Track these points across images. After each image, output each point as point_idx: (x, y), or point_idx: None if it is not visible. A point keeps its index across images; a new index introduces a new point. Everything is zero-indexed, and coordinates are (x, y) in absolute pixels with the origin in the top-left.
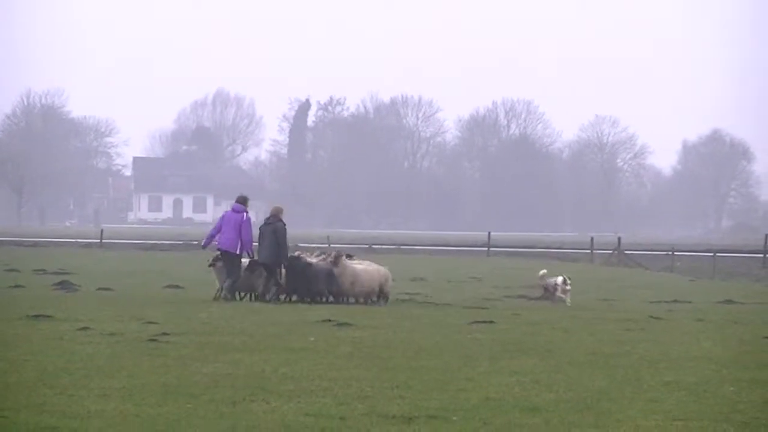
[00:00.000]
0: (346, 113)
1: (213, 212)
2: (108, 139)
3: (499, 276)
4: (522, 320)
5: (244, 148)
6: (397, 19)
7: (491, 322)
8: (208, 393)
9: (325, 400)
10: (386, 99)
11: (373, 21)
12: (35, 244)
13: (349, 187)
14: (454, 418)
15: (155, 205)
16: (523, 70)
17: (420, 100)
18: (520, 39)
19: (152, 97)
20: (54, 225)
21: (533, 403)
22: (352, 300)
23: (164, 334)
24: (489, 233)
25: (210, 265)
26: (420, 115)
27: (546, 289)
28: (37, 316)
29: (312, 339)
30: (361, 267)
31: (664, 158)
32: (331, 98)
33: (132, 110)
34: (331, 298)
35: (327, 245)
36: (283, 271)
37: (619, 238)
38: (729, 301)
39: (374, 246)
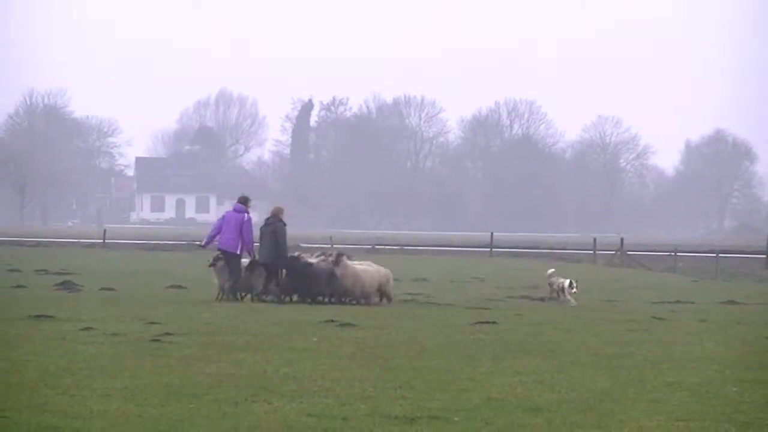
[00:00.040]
0: (348, 113)
1: (216, 212)
2: (111, 139)
3: (501, 276)
4: (525, 321)
5: (247, 148)
6: (398, 18)
7: (494, 322)
8: (211, 393)
9: (327, 401)
10: (389, 99)
11: (374, 21)
12: (37, 244)
13: (352, 187)
14: (457, 418)
15: (158, 205)
16: (525, 69)
17: (423, 100)
18: (520, 39)
19: (154, 97)
20: (56, 225)
21: (536, 403)
22: (353, 301)
23: (167, 334)
24: (492, 234)
25: (210, 265)
26: (423, 115)
27: (552, 288)
28: (39, 317)
29: (315, 339)
30: (362, 267)
31: (667, 158)
32: (333, 98)
33: (134, 110)
34: (333, 299)
35: (330, 246)
36: (283, 271)
37: (622, 239)
38: (732, 302)
39: (377, 246)
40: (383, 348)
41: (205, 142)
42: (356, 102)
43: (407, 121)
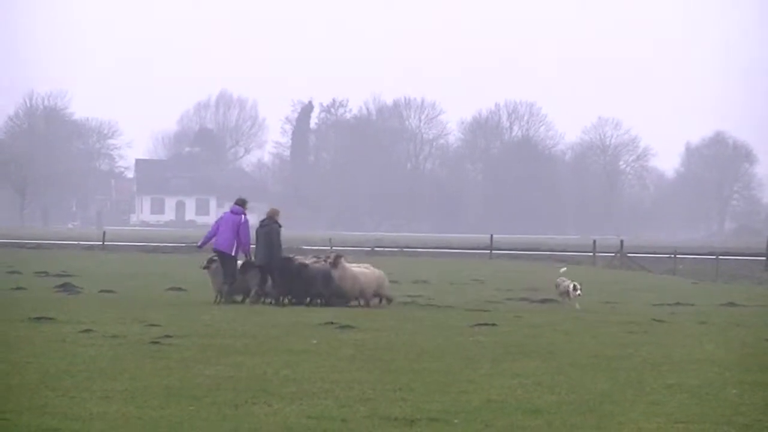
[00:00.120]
0: (348, 115)
1: (216, 214)
2: (111, 141)
3: (501, 278)
4: (524, 323)
5: (247, 150)
6: (398, 19)
7: (493, 324)
8: (211, 395)
9: (326, 403)
10: (389, 101)
11: (374, 21)
12: (37, 246)
13: (352, 189)
14: (456, 420)
15: (158, 208)
16: (524, 70)
17: (423, 102)
18: (520, 39)
19: (154, 98)
20: (57, 227)
21: (535, 405)
22: (353, 303)
23: (166, 336)
24: (491, 236)
25: (204, 268)
26: (423, 117)
27: (559, 290)
28: (39, 319)
29: (314, 341)
30: (360, 270)
31: (667, 160)
32: (333, 100)
33: (134, 111)
34: (328, 301)
35: (329, 248)
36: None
37: (622, 241)
38: (731, 304)
39: (377, 248)
40: (383, 350)
41: (205, 144)
42: (356, 104)
43: (407, 122)
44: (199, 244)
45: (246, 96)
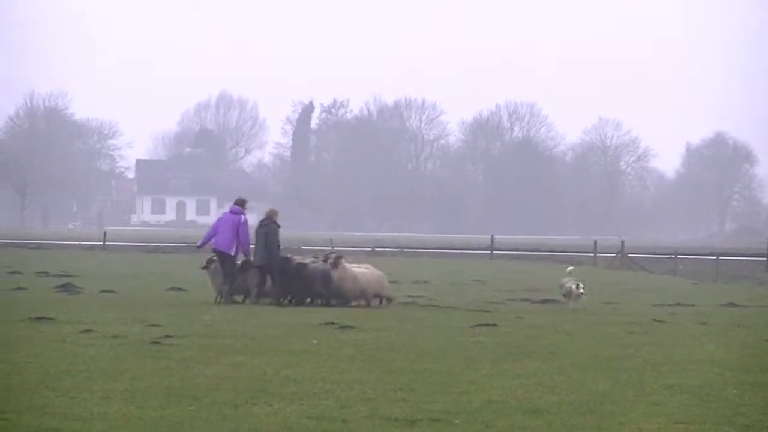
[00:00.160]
0: (349, 116)
1: (216, 215)
2: (111, 142)
3: (502, 279)
4: (525, 323)
5: (248, 151)
6: (398, 19)
7: (494, 325)
8: (211, 395)
9: (327, 403)
10: (389, 101)
11: (373, 21)
12: (38, 247)
13: (353, 189)
14: (457, 421)
15: (158, 208)
16: (525, 71)
17: (423, 102)
18: (520, 39)
19: (154, 99)
20: (57, 227)
21: (536, 405)
22: (353, 303)
23: (167, 336)
24: (492, 236)
25: (203, 268)
26: (423, 117)
27: (563, 290)
28: (39, 319)
29: (314, 342)
30: (360, 270)
31: (668, 161)
32: (334, 101)
33: (135, 112)
34: (333, 301)
35: (330, 248)
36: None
37: (623, 242)
38: (732, 305)
39: (377, 249)
40: (383, 350)
41: (205, 145)
42: (357, 104)
43: (408, 123)
44: (198, 244)
45: (246, 96)
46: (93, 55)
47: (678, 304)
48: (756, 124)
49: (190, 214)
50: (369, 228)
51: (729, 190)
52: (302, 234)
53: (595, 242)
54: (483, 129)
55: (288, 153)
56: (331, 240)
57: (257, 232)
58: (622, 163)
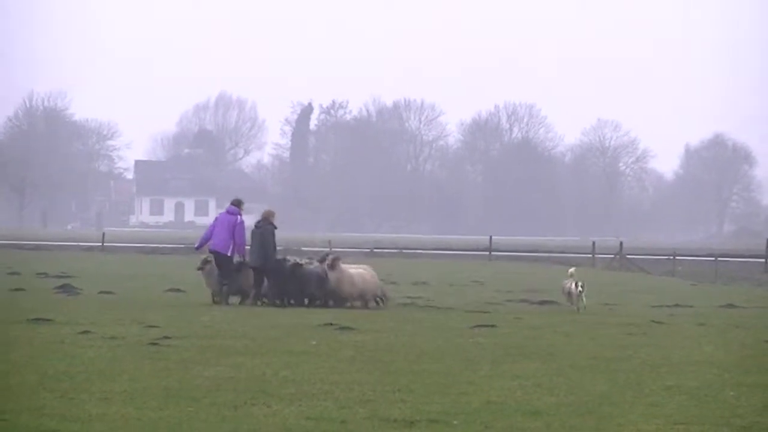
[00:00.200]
0: (348, 117)
1: (215, 216)
2: (110, 142)
3: (501, 280)
4: (524, 324)
5: (247, 152)
6: (398, 19)
7: (493, 326)
8: (210, 396)
9: (326, 404)
10: (389, 102)
11: (373, 21)
12: (37, 247)
13: (352, 190)
14: (456, 422)
15: (157, 209)
16: (524, 71)
17: (422, 103)
18: (520, 40)
19: (153, 99)
20: (56, 228)
21: (535, 406)
22: (348, 304)
23: (165, 337)
24: (491, 237)
25: (199, 269)
26: (422, 118)
27: (564, 291)
28: (38, 320)
29: (313, 342)
30: (358, 271)
31: (666, 162)
32: (333, 102)
33: (134, 112)
34: (330, 302)
35: (329, 249)
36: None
37: (621, 243)
38: (730, 306)
39: (376, 249)
40: (382, 351)
41: (204, 146)
42: (356, 105)
43: (407, 124)
44: (196, 245)
45: (245, 97)
46: (92, 56)
47: (677, 306)
48: (755, 125)
49: (189, 215)
50: (368, 229)
51: (728, 191)
52: (301, 235)
53: (594, 243)
54: (482, 130)
55: (287, 154)
56: (329, 241)
57: (253, 233)
58: (620, 164)
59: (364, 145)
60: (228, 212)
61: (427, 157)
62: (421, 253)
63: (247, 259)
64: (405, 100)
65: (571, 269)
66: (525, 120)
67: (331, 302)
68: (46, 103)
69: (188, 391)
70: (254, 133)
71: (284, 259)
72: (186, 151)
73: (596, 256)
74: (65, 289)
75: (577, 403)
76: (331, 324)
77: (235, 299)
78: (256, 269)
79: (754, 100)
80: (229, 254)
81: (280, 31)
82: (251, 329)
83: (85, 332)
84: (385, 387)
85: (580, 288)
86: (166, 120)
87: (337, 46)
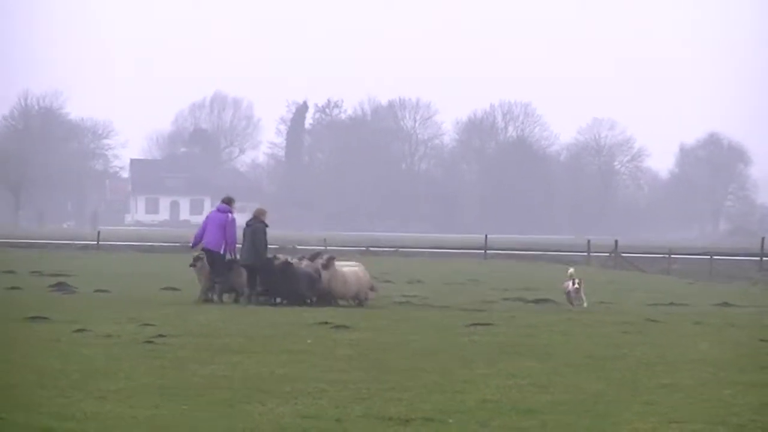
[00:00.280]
0: (343, 116)
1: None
2: (105, 141)
3: (497, 278)
4: (519, 323)
5: (242, 151)
6: (393, 19)
7: (489, 324)
8: (206, 395)
9: (321, 402)
10: (384, 101)
11: (368, 21)
12: (32, 246)
13: (347, 189)
14: (451, 420)
15: (152, 207)
16: (519, 69)
17: (418, 102)
18: (515, 39)
19: (149, 98)
20: (52, 227)
21: (530, 405)
22: (340, 302)
23: (161, 336)
24: (486, 236)
25: (191, 265)
26: (417, 117)
27: (564, 292)
28: (33, 318)
29: (309, 341)
30: (351, 269)
31: (662, 161)
32: (328, 101)
33: (129, 111)
34: (317, 300)
35: (324, 247)
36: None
37: (616, 241)
38: (726, 304)
39: (371, 248)
40: (378, 350)
41: (199, 144)
42: (351, 104)
43: (402, 123)
44: (191, 244)
45: (241, 96)
46: (88, 55)
47: (672, 304)
48: (750, 124)
49: (184, 214)
50: (363, 228)
51: (723, 190)
52: (296, 234)
53: (589, 242)
54: (477, 129)
55: (282, 153)
56: (324, 240)
57: (244, 231)
58: (616, 163)
59: (359, 144)
60: (219, 210)
61: (422, 156)
62: (416, 251)
63: (239, 257)
64: (400, 99)
65: (570, 269)
66: (520, 119)
67: (320, 300)
68: (41, 103)
69: (184, 389)
70: (249, 132)
71: (274, 258)
72: (181, 150)
73: (591, 254)
74: (61, 287)
75: (572, 402)
76: (327, 322)
77: (228, 297)
78: (247, 267)
79: (749, 99)
80: (221, 252)
81: (275, 31)
82: (246, 327)
83: (81, 330)
84: (380, 385)
85: (576, 285)
86: (161, 119)
87: (333, 45)
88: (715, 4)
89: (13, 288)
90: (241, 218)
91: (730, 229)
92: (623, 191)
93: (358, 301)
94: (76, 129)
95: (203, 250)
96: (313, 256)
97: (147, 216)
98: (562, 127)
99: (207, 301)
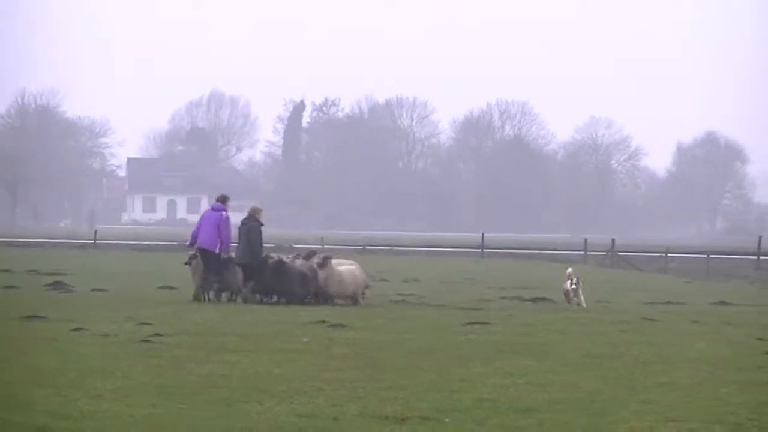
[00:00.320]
0: (340, 114)
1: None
2: (102, 140)
3: (493, 277)
4: (516, 321)
5: (239, 149)
6: (390, 18)
7: (486, 323)
8: (202, 394)
9: (318, 401)
10: (381, 100)
11: (366, 21)
12: (29, 245)
13: (344, 188)
14: (448, 419)
15: (149, 206)
16: (516, 69)
17: (415, 101)
18: (512, 38)
19: (146, 97)
20: (49, 225)
21: (527, 404)
22: (336, 301)
23: (158, 335)
24: (483, 234)
25: (186, 263)
26: (414, 116)
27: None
28: (30, 317)
29: (306, 340)
30: (347, 268)
31: (659, 160)
32: (325, 99)
33: (126, 110)
34: (315, 299)
35: (321, 246)
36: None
37: (613, 240)
38: (723, 303)
39: (368, 247)
40: (374, 349)
41: (196, 143)
42: (348, 103)
43: (399, 122)
44: (188, 243)
45: (238, 95)
46: (85, 54)
47: (669, 303)
48: (747, 122)
49: (181, 213)
50: (360, 226)
51: (720, 189)
52: (293, 232)
53: (586, 240)
54: (474, 127)
55: (279, 151)
56: (322, 238)
57: (239, 230)
58: (613, 162)
59: (356, 142)
60: (213, 209)
61: (419, 155)
62: (413, 250)
63: (233, 255)
64: (397, 98)
65: (569, 269)
66: (517, 117)
67: (316, 299)
68: (38, 101)
69: (180, 388)
70: (247, 131)
71: (267, 256)
72: (179, 148)
73: (588, 253)
74: (57, 286)
75: (569, 401)
76: (323, 321)
77: (224, 296)
78: (243, 266)
79: (747, 99)
80: (216, 251)
81: (273, 30)
82: (243, 326)
83: (78, 329)
84: (376, 384)
85: (574, 285)
86: (158, 117)
87: (330, 45)
88: (713, 4)
89: (9, 287)
90: (238, 217)
91: (727, 228)
92: (620, 190)
93: (354, 299)
94: (73, 127)
95: (198, 249)
96: (308, 255)
97: (144, 215)
98: (559, 126)
99: (196, 300)
